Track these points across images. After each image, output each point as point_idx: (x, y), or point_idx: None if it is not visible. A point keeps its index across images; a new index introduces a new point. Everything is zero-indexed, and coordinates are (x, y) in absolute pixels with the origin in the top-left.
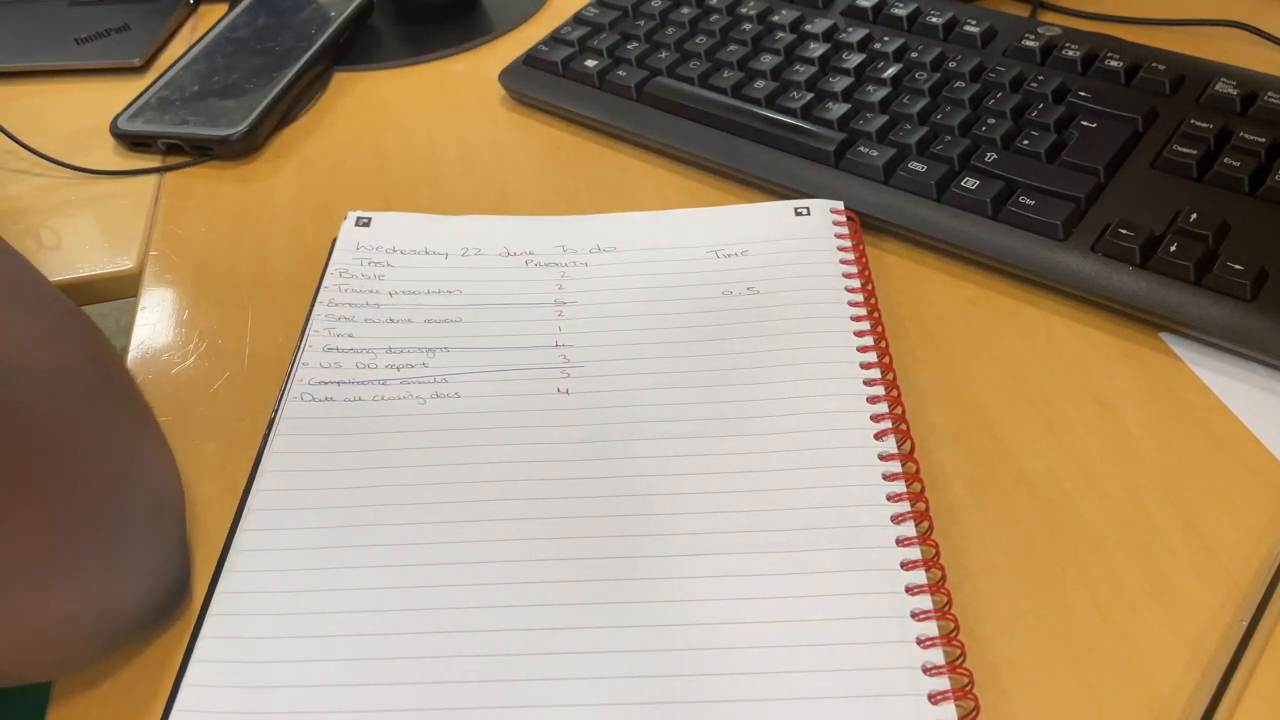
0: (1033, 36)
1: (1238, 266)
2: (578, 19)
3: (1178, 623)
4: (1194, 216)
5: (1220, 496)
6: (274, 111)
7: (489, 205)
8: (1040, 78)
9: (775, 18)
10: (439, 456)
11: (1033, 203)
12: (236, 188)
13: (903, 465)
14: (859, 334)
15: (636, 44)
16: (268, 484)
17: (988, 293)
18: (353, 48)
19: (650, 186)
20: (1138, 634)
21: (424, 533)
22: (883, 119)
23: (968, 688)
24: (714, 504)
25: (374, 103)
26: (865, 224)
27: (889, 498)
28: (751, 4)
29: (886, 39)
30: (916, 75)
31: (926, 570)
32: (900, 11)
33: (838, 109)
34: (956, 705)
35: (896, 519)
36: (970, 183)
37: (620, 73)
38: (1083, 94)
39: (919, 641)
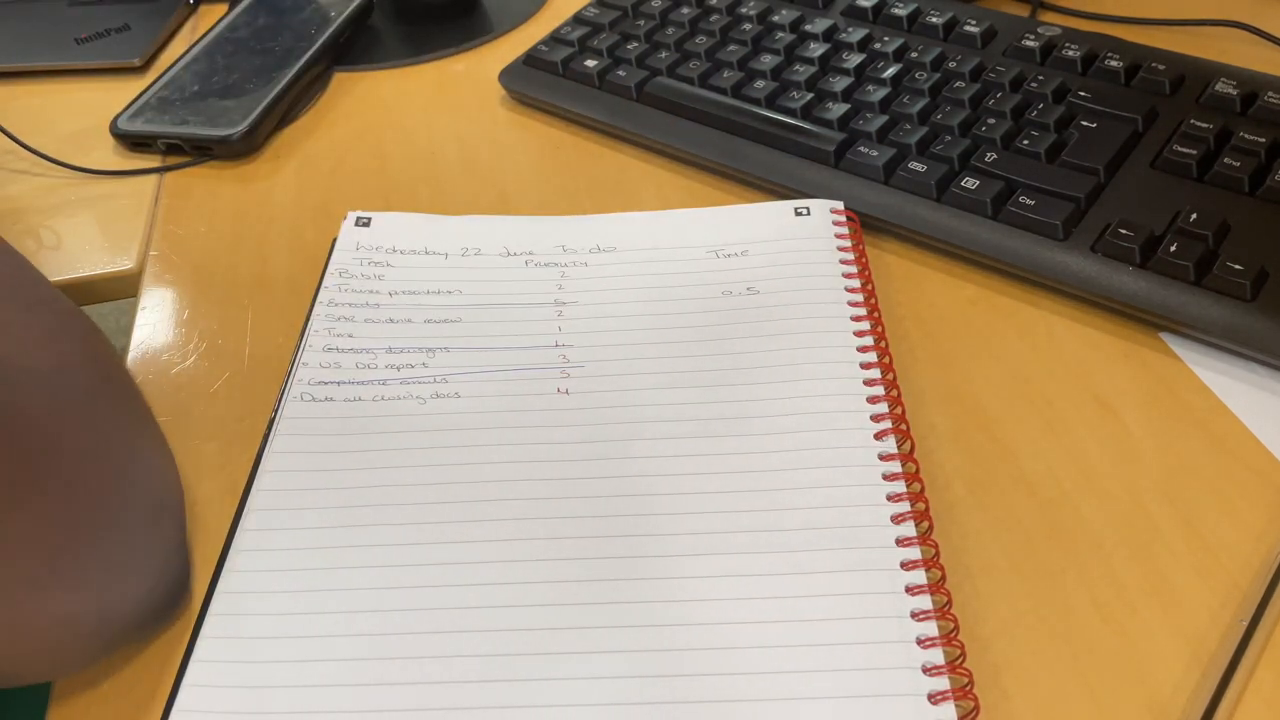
0: (1033, 36)
1: (1238, 266)
2: (578, 19)
3: (1178, 623)
4: (1194, 216)
5: (1220, 496)
6: (274, 111)
7: (489, 205)
8: (1040, 78)
9: (775, 18)
10: (439, 456)
11: (1033, 203)
12: (236, 188)
13: (903, 465)
14: (859, 334)
15: (636, 44)
16: (268, 484)
17: (988, 293)
18: (353, 48)
19: (650, 186)
20: (1138, 634)
21: (424, 533)
22: (883, 119)
23: (968, 688)
24: (714, 504)
25: (374, 103)
26: (865, 224)
27: (889, 498)
28: (751, 4)
29: (886, 39)
30: (916, 75)
31: (926, 570)
32: (900, 11)
33: (838, 109)
34: (956, 705)
35: (896, 519)
36: (970, 183)
37: (620, 73)
38: (1083, 94)
39: (919, 641)
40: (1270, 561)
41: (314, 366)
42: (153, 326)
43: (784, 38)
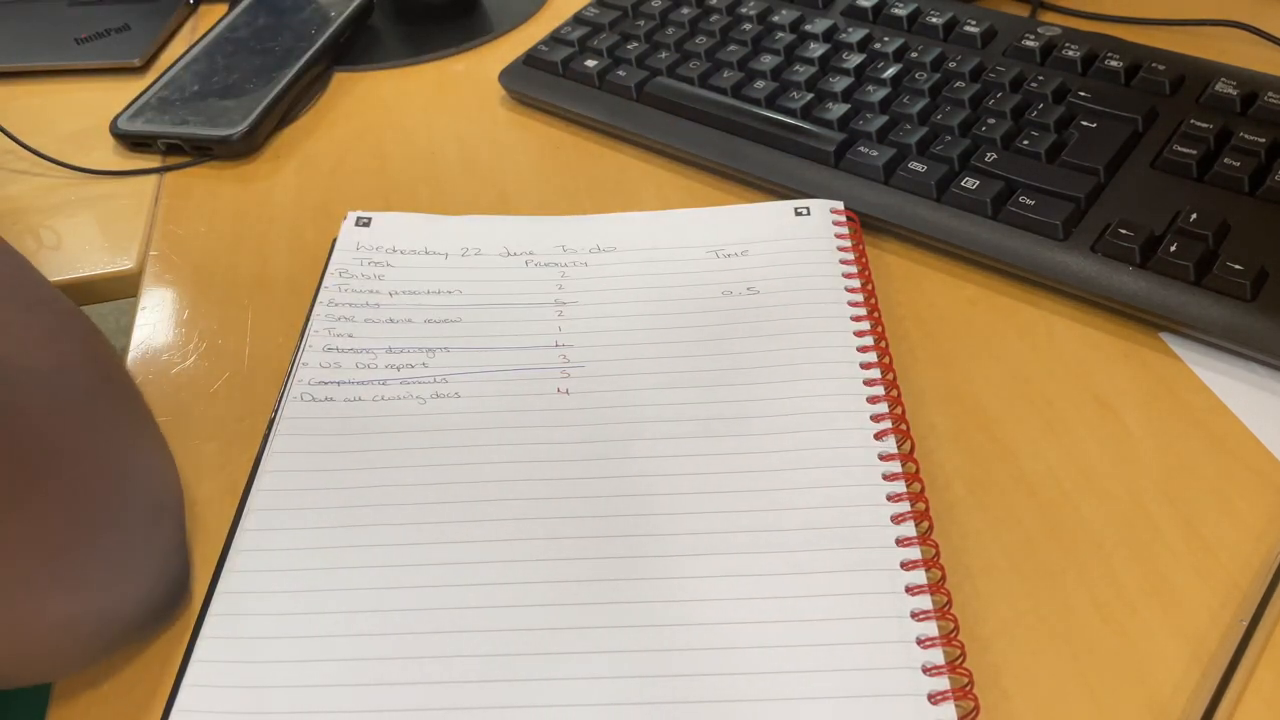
0: (1033, 36)
1: (1238, 266)
2: (578, 19)
3: (1178, 623)
4: (1194, 216)
5: (1220, 496)
6: (274, 111)
7: (489, 205)
8: (1040, 78)
9: (775, 18)
10: (439, 456)
11: (1033, 203)
12: (236, 188)
13: (903, 465)
14: (859, 334)
15: (636, 44)
16: (268, 484)
17: (988, 293)
18: (353, 48)
19: (650, 186)
20: (1138, 634)
21: (424, 533)
22: (883, 119)
23: (968, 688)
24: (714, 504)
25: (374, 103)
26: (865, 224)
27: (889, 498)
28: (751, 4)
29: (886, 39)
30: (916, 75)
31: (926, 570)
32: (900, 11)
33: (838, 109)
34: (956, 705)
35: (896, 519)
36: (970, 183)
37: (620, 73)
38: (1083, 94)
39: (919, 641)
40: (1270, 561)
41: (314, 366)
42: (153, 326)
43: (784, 38)
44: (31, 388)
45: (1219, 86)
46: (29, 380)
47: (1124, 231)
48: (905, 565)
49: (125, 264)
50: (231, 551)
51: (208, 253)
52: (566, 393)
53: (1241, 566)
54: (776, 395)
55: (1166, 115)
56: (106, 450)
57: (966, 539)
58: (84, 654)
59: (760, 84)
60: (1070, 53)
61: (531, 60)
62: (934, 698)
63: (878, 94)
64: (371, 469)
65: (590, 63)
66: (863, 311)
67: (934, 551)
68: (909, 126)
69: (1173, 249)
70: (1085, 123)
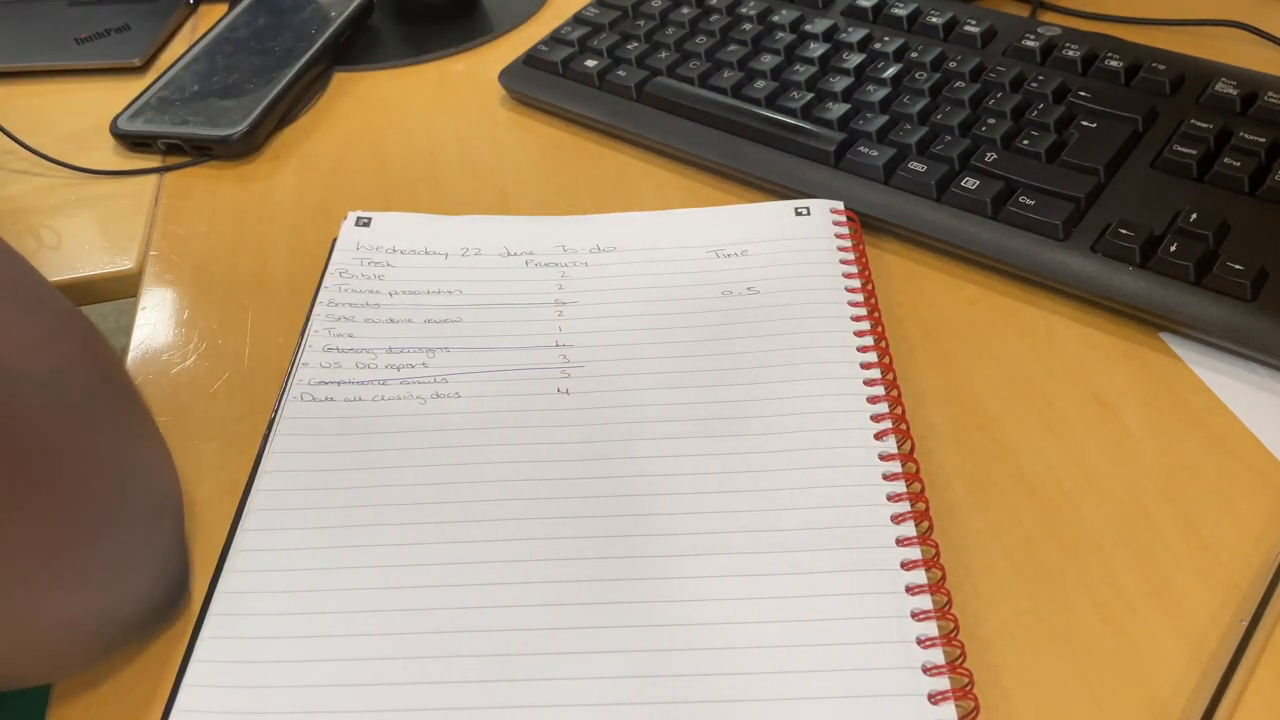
0: (1033, 36)
1: (1238, 266)
2: (578, 19)
3: (1178, 623)
4: (1194, 216)
5: (1220, 496)
6: (274, 111)
7: (489, 205)
8: (1040, 78)
9: (775, 18)
10: (439, 456)
11: (1033, 203)
12: (236, 188)
13: (903, 465)
14: (859, 334)
15: (636, 44)
16: (268, 484)
17: (988, 293)
18: (353, 48)
19: (650, 186)
20: (1138, 634)
21: (424, 533)
22: (883, 119)
23: (968, 688)
24: (714, 504)
25: (374, 103)
26: (865, 224)
27: (889, 498)
28: (751, 4)
29: (886, 39)
30: (916, 75)
31: (926, 570)
32: (900, 11)
33: (838, 109)
34: (956, 705)
35: (896, 519)
36: (970, 183)
37: (620, 73)
38: (1083, 94)
39: (919, 641)
40: (1270, 561)
41: (314, 366)
42: (153, 326)
43: (784, 38)
44: (30, 389)
45: (1219, 86)
46: (28, 381)
47: (1124, 231)
48: (905, 565)
49: (125, 264)
50: (231, 551)
51: (208, 253)
52: (566, 393)
53: (1241, 566)
54: (776, 395)
55: (1166, 115)
56: (106, 451)
57: (966, 539)
58: (84, 655)
59: (760, 84)
60: (1070, 53)
61: (531, 60)
62: (934, 698)
63: (878, 94)
64: (371, 469)
65: (590, 63)
66: (863, 311)
67: (934, 551)
68: (909, 126)
69: (1173, 249)
70: (1085, 123)
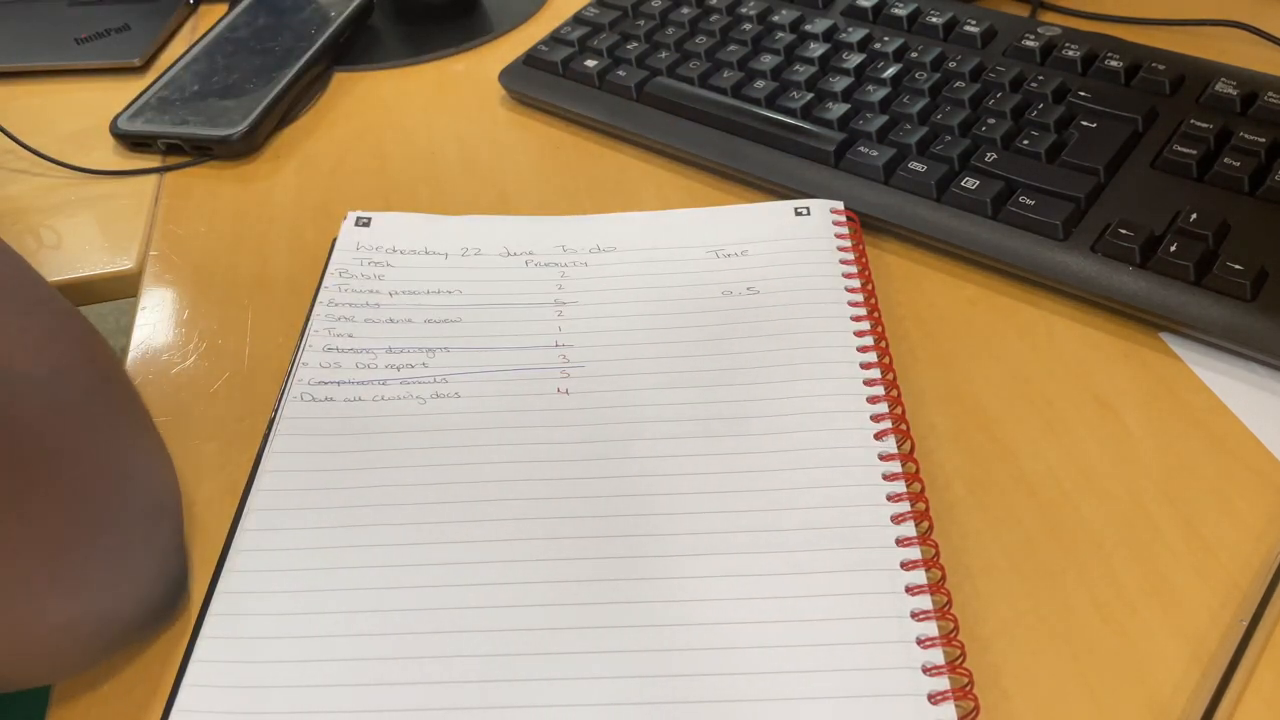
0: (1033, 36)
1: (1238, 266)
2: (578, 19)
3: (1178, 623)
4: (1194, 216)
5: (1220, 496)
6: (274, 111)
7: (489, 205)
8: (1040, 78)
9: (775, 18)
10: (439, 457)
11: (1033, 203)
12: (236, 188)
13: (903, 465)
14: (859, 334)
15: (636, 44)
16: (268, 484)
17: (988, 293)
18: (353, 48)
19: (650, 186)
20: (1138, 634)
21: (424, 533)
22: (883, 119)
23: (967, 688)
24: (714, 504)
25: (374, 103)
26: (865, 224)
27: (889, 498)
28: (751, 4)
29: (886, 39)
30: (916, 75)
31: (926, 570)
32: (900, 11)
33: (838, 109)
34: (956, 705)
35: (896, 519)
36: (970, 183)
37: (620, 73)
38: (1083, 94)
39: (919, 641)
40: (1270, 561)
41: (314, 366)
42: (153, 326)
43: (784, 38)
44: (30, 389)
45: (1219, 86)
46: (27, 382)
47: (1124, 231)
48: (905, 565)
49: (125, 264)
50: (231, 551)
51: (208, 253)
52: (566, 393)
53: (1241, 566)
54: (776, 395)
55: (1166, 115)
56: (105, 451)
57: (966, 539)
58: (83, 657)
59: (760, 84)
60: (1070, 53)
61: (531, 60)
62: (934, 698)
63: (878, 94)
64: (371, 469)
65: (590, 63)
66: (863, 311)
67: (934, 551)
68: (909, 126)
69: (1173, 249)
70: (1085, 123)
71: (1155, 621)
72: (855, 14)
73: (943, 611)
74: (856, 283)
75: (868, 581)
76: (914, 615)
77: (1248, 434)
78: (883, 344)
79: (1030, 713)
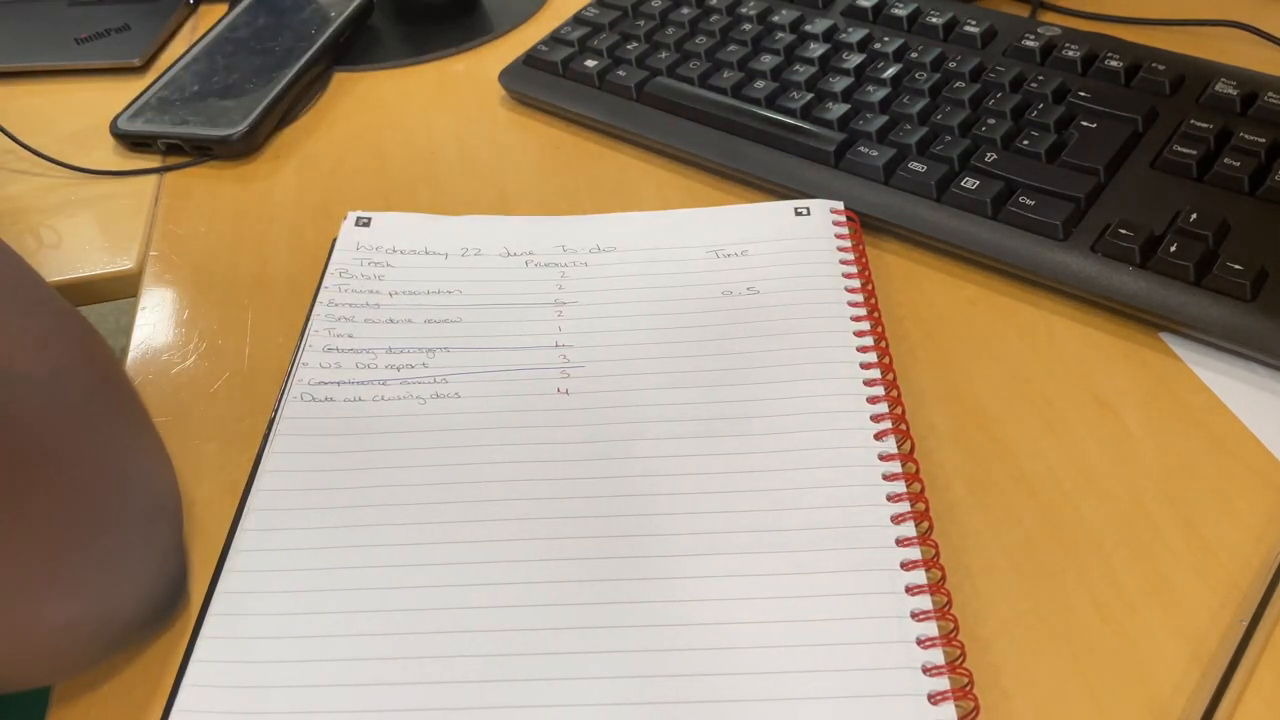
0: (1033, 37)
1: (1238, 266)
2: (578, 19)
3: (1178, 623)
4: (1194, 216)
5: (1220, 496)
6: (274, 111)
7: (489, 205)
8: (1040, 78)
9: (775, 18)
10: (439, 457)
11: (1033, 203)
12: (236, 188)
13: (903, 465)
14: (859, 334)
15: (636, 44)
16: (268, 484)
17: (988, 293)
18: (353, 48)
19: (650, 186)
20: (1138, 634)
21: (424, 533)
22: (883, 119)
23: (968, 688)
24: (715, 504)
25: (374, 103)
26: (865, 224)
27: (889, 498)
28: (751, 4)
29: (886, 39)
30: (916, 75)
31: (926, 570)
32: (900, 12)
33: (838, 109)
34: (956, 705)
35: (896, 519)
36: (970, 183)
37: (620, 73)
38: (1083, 94)
39: (919, 641)
40: (1270, 561)
41: (314, 366)
42: (153, 326)
43: (784, 38)
44: (29, 390)
45: (1219, 86)
46: (26, 383)
47: (1124, 231)
48: (905, 565)
49: (125, 264)
50: (231, 551)
51: (208, 253)
52: (567, 393)
53: (1241, 566)
54: (777, 395)
55: (1166, 115)
56: (104, 452)
57: (966, 539)
58: (82, 658)
59: (760, 84)
60: (1070, 53)
61: (531, 60)
62: (934, 698)
63: (878, 94)
64: (372, 469)
65: (590, 63)
66: (863, 311)
67: (934, 551)
68: (909, 126)
69: (1173, 249)
70: (1085, 123)
71: (1155, 621)
72: (855, 14)
73: (943, 611)
74: (856, 283)
75: (868, 581)
76: (914, 615)
77: (1248, 434)
78: (883, 344)
79: (1030, 713)
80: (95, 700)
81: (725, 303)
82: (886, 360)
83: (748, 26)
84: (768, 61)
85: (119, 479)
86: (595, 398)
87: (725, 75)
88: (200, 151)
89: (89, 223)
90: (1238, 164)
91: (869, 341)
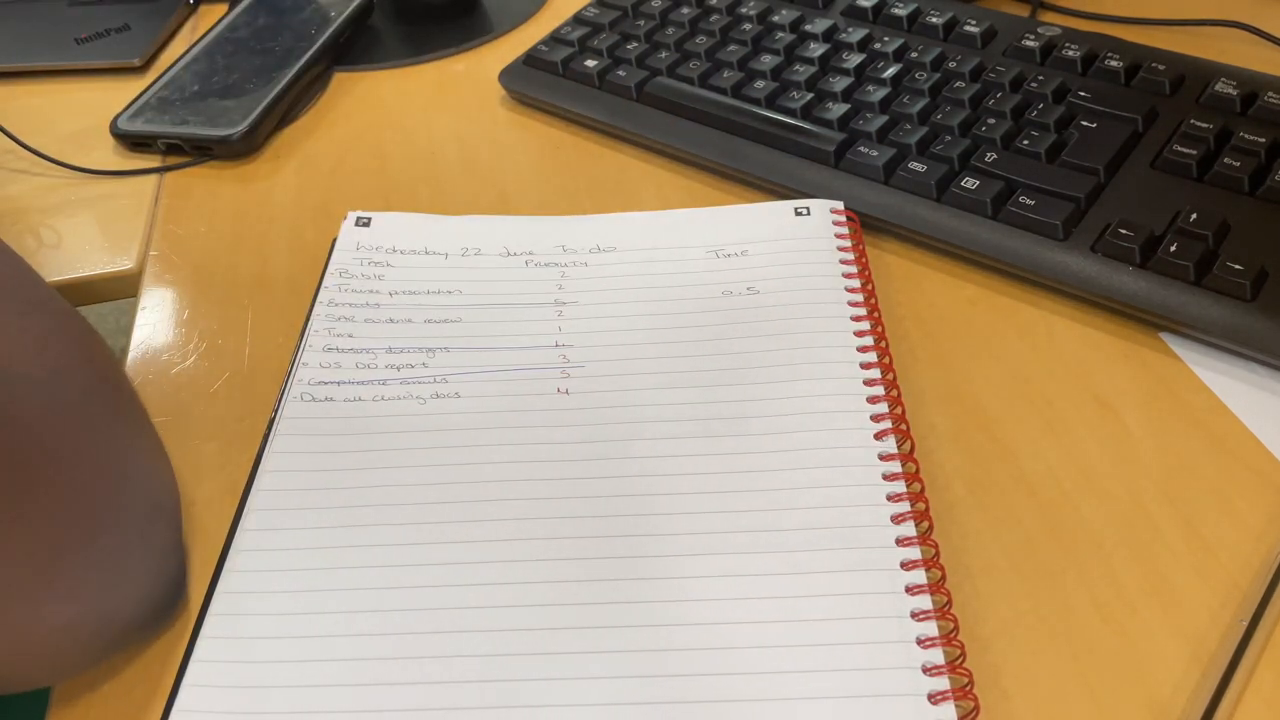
0: (1033, 36)
1: (1238, 266)
2: (578, 19)
3: (1178, 623)
4: (1194, 216)
5: (1220, 496)
6: (274, 111)
7: (489, 205)
8: (1040, 78)
9: (775, 18)
10: (439, 457)
11: (1033, 203)
12: (236, 188)
13: (903, 465)
14: (859, 334)
15: (636, 44)
16: (268, 484)
17: (988, 293)
18: (353, 48)
19: (650, 186)
20: (1138, 634)
21: (424, 533)
22: (883, 119)
23: (967, 688)
24: (714, 504)
25: (374, 103)
26: (865, 224)
27: (889, 498)
28: (751, 4)
29: (886, 39)
30: (916, 75)
31: (926, 570)
32: (900, 11)
33: (838, 109)
34: (956, 705)
35: (896, 519)
36: (970, 183)
37: (620, 73)
38: (1083, 94)
39: (919, 641)
40: (1270, 561)
41: (314, 366)
42: (153, 326)
43: (784, 38)
44: (28, 390)
45: (1219, 86)
46: (25, 383)
47: (1124, 231)
48: (905, 565)
49: (125, 264)
50: (231, 551)
51: (208, 253)
52: (566, 393)
53: (1241, 566)
54: (776, 395)
55: (1166, 115)
56: (103, 452)
57: (966, 539)
58: (82, 658)
59: (760, 84)
60: (1070, 53)
61: (531, 60)
62: (934, 698)
63: (878, 94)
64: (371, 469)
65: (590, 63)
66: (863, 311)
67: (934, 551)
68: (909, 126)
69: (1173, 249)
70: (1085, 123)
71: (1155, 621)
72: (855, 14)
73: (943, 611)
74: (856, 283)
75: (868, 581)
76: (914, 615)
77: (1248, 434)
78: (883, 344)
79: (1030, 713)
80: (95, 700)
81: (725, 303)
82: (886, 360)
83: (748, 26)
84: (768, 61)
85: (118, 479)
86: (595, 398)
87: (725, 75)
88: (200, 151)
89: (89, 223)
90: (1238, 164)
91: (869, 341)
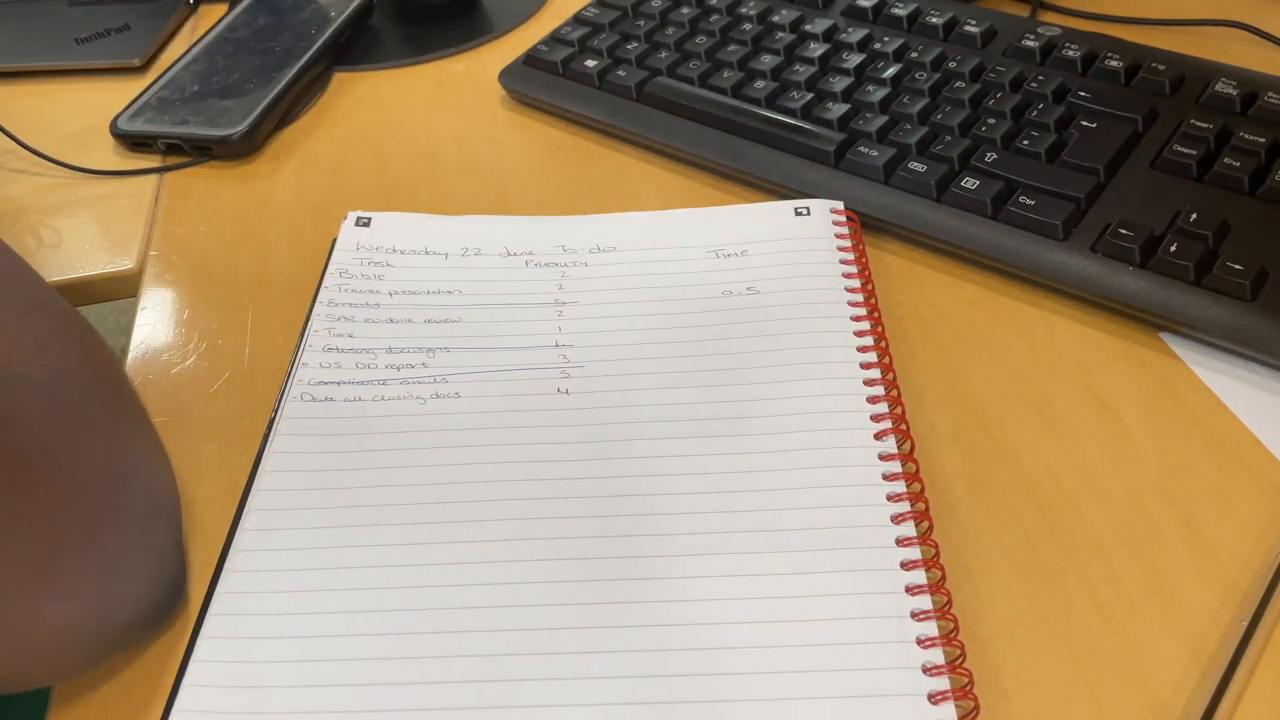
0: (1033, 36)
1: (1238, 266)
2: (578, 19)
3: (1178, 623)
4: (1194, 216)
5: (1220, 496)
6: (274, 111)
7: (489, 205)
8: (1040, 78)
9: (775, 18)
10: (439, 457)
11: (1033, 203)
12: (236, 188)
13: (903, 465)
14: (859, 334)
15: (636, 44)
16: (268, 484)
17: (988, 293)
18: (353, 48)
19: (650, 186)
20: (1138, 634)
21: (424, 533)
22: (883, 119)
23: (967, 688)
24: (714, 504)
25: (374, 103)
26: (865, 224)
27: (889, 498)
28: (751, 4)
29: (886, 39)
30: (916, 75)
31: (926, 570)
32: (900, 11)
33: (838, 109)
34: (956, 705)
35: (896, 519)
36: (970, 183)
37: (620, 73)
38: (1083, 94)
39: (919, 641)
40: (1270, 561)
41: (314, 366)
42: (153, 326)
43: (784, 38)
44: (28, 390)
45: (1219, 86)
46: (25, 383)
47: (1124, 231)
48: (905, 565)
49: (125, 264)
50: (231, 551)
51: (208, 253)
52: (566, 393)
53: (1241, 566)
54: (776, 395)
55: (1166, 115)
56: (103, 452)
57: (966, 539)
58: (82, 658)
59: (760, 84)
60: (1070, 53)
61: (531, 60)
62: (934, 698)
63: (878, 94)
64: (371, 469)
65: (590, 63)
66: (863, 311)
67: (934, 551)
68: (909, 126)
69: (1173, 249)
70: (1085, 123)
71: (1155, 621)
72: (855, 14)
73: (943, 611)
74: (856, 283)
75: (868, 581)
76: (914, 615)
77: (1248, 434)
78: (883, 344)
79: (1030, 713)
80: (95, 700)
81: (725, 303)
82: (886, 360)
83: (748, 26)
84: (768, 61)
85: (118, 479)
86: (595, 398)
87: (725, 75)
88: (200, 151)
89: (89, 223)
90: (1238, 164)
91: (869, 341)
